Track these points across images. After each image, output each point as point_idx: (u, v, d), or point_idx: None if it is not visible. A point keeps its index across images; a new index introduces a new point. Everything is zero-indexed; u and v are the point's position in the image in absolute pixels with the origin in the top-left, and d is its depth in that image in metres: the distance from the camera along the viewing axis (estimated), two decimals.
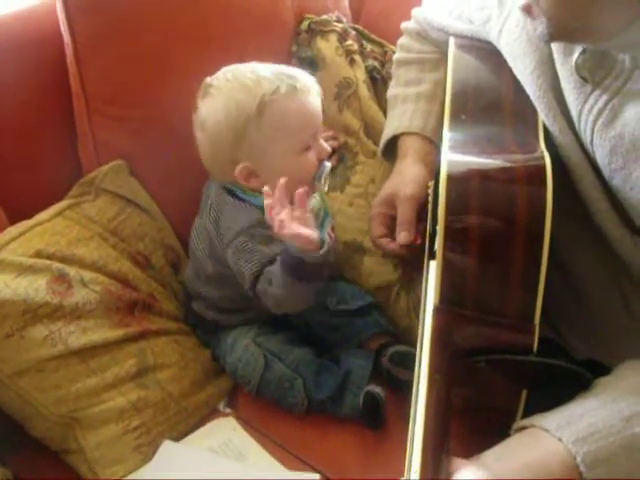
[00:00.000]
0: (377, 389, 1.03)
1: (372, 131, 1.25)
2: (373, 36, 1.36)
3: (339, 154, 1.27)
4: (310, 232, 0.94)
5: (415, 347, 1.03)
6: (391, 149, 1.15)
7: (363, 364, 1.07)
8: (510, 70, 0.91)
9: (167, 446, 1.03)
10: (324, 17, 1.34)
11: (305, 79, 1.04)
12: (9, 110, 1.12)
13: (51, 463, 1.02)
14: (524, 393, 0.80)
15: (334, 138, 1.27)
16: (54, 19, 1.13)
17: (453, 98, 0.91)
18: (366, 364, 1.07)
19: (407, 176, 1.08)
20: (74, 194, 1.16)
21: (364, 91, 1.27)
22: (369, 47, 1.34)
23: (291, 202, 0.99)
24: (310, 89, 1.04)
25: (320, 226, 1.09)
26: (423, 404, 0.73)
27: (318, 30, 1.32)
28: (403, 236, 1.04)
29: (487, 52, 0.96)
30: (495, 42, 0.94)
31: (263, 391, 1.09)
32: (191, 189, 1.14)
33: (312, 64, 1.30)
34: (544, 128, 0.85)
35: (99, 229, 1.12)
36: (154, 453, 1.02)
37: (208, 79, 1.05)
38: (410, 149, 1.10)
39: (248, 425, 1.08)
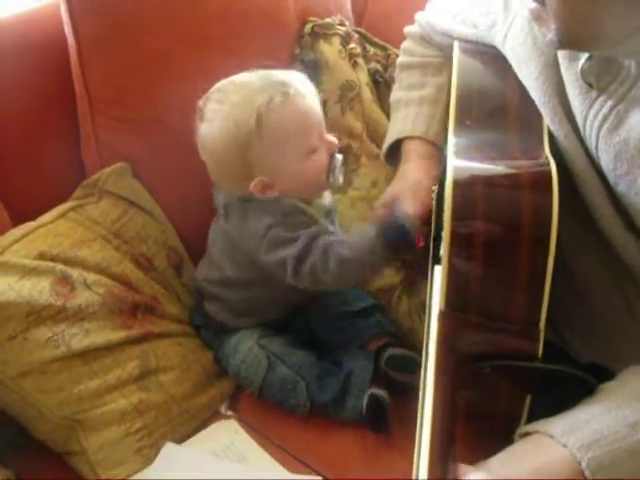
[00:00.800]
0: (381, 391, 1.03)
1: (375, 134, 1.25)
2: (376, 39, 1.36)
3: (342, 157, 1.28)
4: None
5: (417, 350, 1.04)
6: (394, 153, 1.15)
7: (364, 366, 1.07)
8: (515, 75, 0.91)
9: (169, 448, 1.03)
10: (327, 20, 1.34)
11: (297, 82, 1.03)
12: (13, 112, 1.12)
13: (53, 465, 1.03)
14: (528, 398, 0.80)
15: (337, 140, 1.27)
16: (58, 21, 1.13)
17: (458, 103, 0.91)
18: (367, 366, 1.07)
19: (410, 179, 1.08)
20: (77, 196, 1.16)
21: (367, 94, 1.27)
22: (372, 50, 1.34)
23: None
24: (304, 91, 1.03)
25: (331, 222, 1.11)
26: (430, 408, 0.73)
27: (321, 33, 1.32)
28: None
29: (492, 57, 0.96)
30: (500, 47, 0.94)
31: (266, 393, 1.09)
32: (194, 191, 1.15)
33: (315, 67, 1.31)
34: (549, 133, 0.85)
35: (102, 231, 1.12)
36: (156, 455, 1.02)
37: (200, 102, 1.04)
38: (413, 153, 1.10)
39: (250, 428, 1.08)
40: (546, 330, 0.76)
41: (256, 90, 1.00)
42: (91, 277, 1.05)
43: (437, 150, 1.10)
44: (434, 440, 0.71)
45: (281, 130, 1.00)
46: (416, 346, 1.13)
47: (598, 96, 0.79)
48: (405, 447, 0.98)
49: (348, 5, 1.44)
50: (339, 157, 1.06)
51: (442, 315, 0.77)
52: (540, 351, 0.76)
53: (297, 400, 1.06)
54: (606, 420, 0.71)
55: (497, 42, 0.95)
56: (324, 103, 1.28)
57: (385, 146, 1.15)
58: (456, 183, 0.76)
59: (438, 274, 0.80)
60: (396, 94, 1.17)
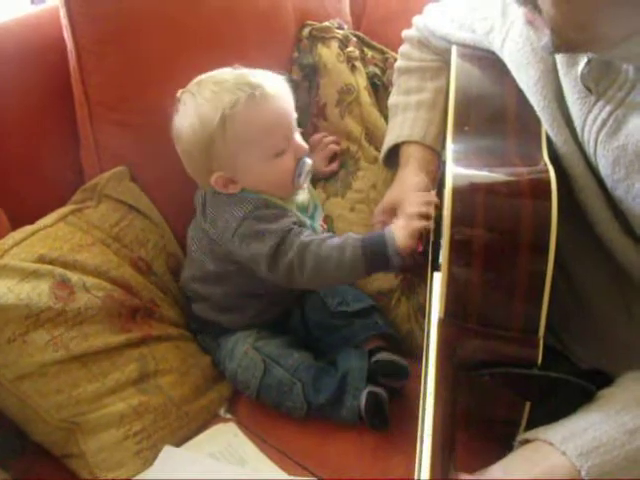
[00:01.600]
0: (378, 389, 1.04)
1: (373, 137, 1.25)
2: (374, 43, 1.36)
3: (341, 160, 1.28)
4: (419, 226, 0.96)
5: (415, 353, 1.04)
6: (392, 157, 1.15)
7: (360, 365, 1.07)
8: (513, 80, 0.91)
9: (168, 451, 1.03)
10: (325, 24, 1.34)
11: (269, 84, 1.03)
12: (12, 116, 1.12)
13: (52, 468, 1.03)
14: (527, 405, 0.80)
15: (336, 143, 1.28)
16: (57, 25, 1.13)
17: (456, 109, 0.91)
18: (362, 365, 1.07)
19: (408, 185, 1.08)
20: (77, 200, 1.16)
21: (365, 97, 1.27)
22: (370, 54, 1.34)
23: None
24: (273, 93, 1.03)
25: (311, 218, 1.11)
26: (431, 417, 0.74)
27: (319, 37, 1.33)
28: None
29: (490, 61, 0.96)
30: (498, 52, 0.94)
31: (263, 396, 1.09)
32: (193, 196, 1.15)
33: (313, 71, 1.31)
34: (547, 139, 0.86)
35: (101, 235, 1.12)
36: (155, 458, 1.02)
37: (179, 92, 1.06)
38: (411, 158, 1.10)
39: (249, 430, 1.08)
40: (545, 334, 0.76)
41: (226, 89, 1.02)
42: (90, 281, 1.05)
43: (435, 154, 1.10)
44: (435, 448, 0.71)
45: (244, 132, 1.01)
46: (414, 349, 1.14)
47: (597, 101, 0.80)
48: (402, 448, 0.99)
49: (346, 8, 1.44)
50: (308, 162, 1.06)
51: (441, 323, 0.78)
52: (540, 358, 0.76)
53: (294, 403, 1.06)
54: (605, 427, 0.71)
55: (495, 47, 0.95)
56: (323, 107, 1.29)
57: (383, 151, 1.16)
58: (455, 190, 0.76)
59: (437, 281, 0.80)
60: (394, 98, 1.18)
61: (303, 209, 1.11)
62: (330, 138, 1.27)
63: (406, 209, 1.00)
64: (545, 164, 0.79)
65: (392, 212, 1.08)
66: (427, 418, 0.75)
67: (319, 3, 1.39)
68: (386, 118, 1.22)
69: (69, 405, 0.99)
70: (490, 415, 0.85)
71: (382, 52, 1.35)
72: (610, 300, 0.89)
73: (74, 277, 1.04)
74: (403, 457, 0.97)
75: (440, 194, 0.96)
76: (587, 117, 0.81)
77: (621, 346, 0.90)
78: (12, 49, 1.13)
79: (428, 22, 1.13)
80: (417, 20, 1.17)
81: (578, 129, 0.83)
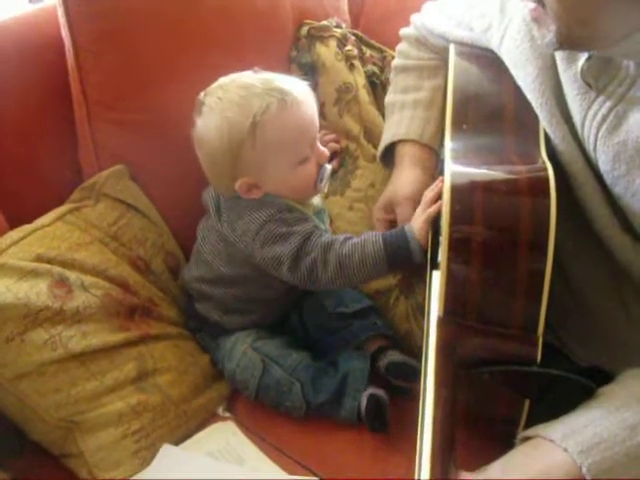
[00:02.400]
0: (380, 392, 1.04)
1: (372, 135, 1.25)
2: (372, 41, 1.36)
3: (340, 158, 1.28)
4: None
5: (415, 353, 1.04)
6: (389, 155, 1.15)
7: (361, 367, 1.07)
8: (511, 78, 0.91)
9: (166, 450, 1.03)
10: (323, 23, 1.34)
11: (297, 90, 1.02)
12: (10, 115, 1.12)
13: (51, 467, 1.02)
14: (527, 402, 0.80)
15: (336, 141, 1.28)
16: (55, 24, 1.13)
17: (454, 107, 0.91)
18: (364, 367, 1.07)
19: (404, 179, 1.08)
20: (75, 199, 1.16)
21: (364, 96, 1.27)
22: (368, 52, 1.34)
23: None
24: (303, 100, 1.02)
25: (321, 221, 1.11)
26: (430, 416, 0.74)
27: (317, 36, 1.33)
28: None
29: (488, 59, 0.96)
30: (496, 50, 0.95)
31: (262, 396, 1.09)
32: (192, 194, 1.14)
33: (312, 69, 1.31)
34: (545, 136, 0.86)
35: (99, 234, 1.12)
36: (153, 457, 1.02)
37: (201, 95, 1.04)
38: (406, 155, 1.10)
39: (247, 429, 1.08)
40: (544, 332, 0.76)
41: (255, 94, 1.00)
42: (88, 279, 1.05)
43: (431, 153, 1.10)
44: (435, 447, 0.71)
45: (274, 138, 1.00)
46: (413, 349, 1.13)
47: (597, 97, 0.80)
48: (402, 447, 0.99)
49: (345, 7, 1.44)
50: (328, 168, 1.06)
51: (440, 321, 0.78)
52: (539, 356, 0.76)
53: (293, 402, 1.06)
54: (606, 423, 0.71)
55: (493, 45, 0.95)
56: (321, 105, 1.29)
57: (380, 149, 1.16)
58: (454, 189, 0.76)
59: (436, 279, 0.80)
60: (391, 97, 1.18)
61: (317, 213, 1.11)
62: (330, 137, 1.27)
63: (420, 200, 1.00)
64: (543, 162, 0.79)
65: (389, 208, 1.09)
66: (427, 417, 0.75)
67: (317, 2, 1.39)
68: (384, 116, 1.22)
69: (68, 404, 0.99)
70: (490, 413, 0.85)
71: (380, 51, 1.35)
72: (608, 298, 0.89)
73: (72, 276, 1.04)
74: (402, 456, 0.97)
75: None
76: (587, 113, 0.81)
77: (620, 343, 0.90)
78: (10, 48, 1.13)
79: (426, 20, 1.13)
80: (415, 18, 1.17)
81: (578, 125, 0.83)
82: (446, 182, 0.77)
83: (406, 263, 0.99)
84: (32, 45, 1.15)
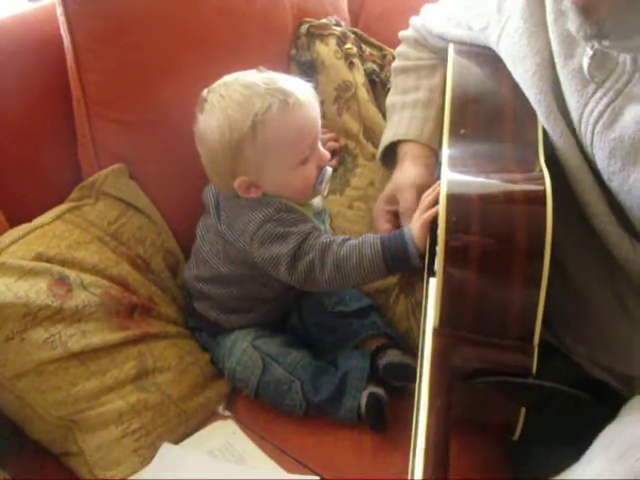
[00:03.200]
0: (379, 391, 1.04)
1: (371, 134, 1.25)
2: (372, 39, 1.36)
3: (339, 157, 1.28)
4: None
5: (414, 351, 1.04)
6: (389, 156, 1.15)
7: (361, 366, 1.07)
8: (510, 76, 0.91)
9: (166, 449, 1.03)
10: (323, 21, 1.34)
11: (299, 91, 1.02)
12: (9, 114, 1.12)
13: (50, 466, 1.02)
14: (523, 410, 0.80)
15: (335, 140, 1.27)
16: (54, 23, 1.13)
17: (453, 108, 0.91)
18: (364, 366, 1.07)
19: (407, 172, 1.08)
20: (74, 197, 1.16)
21: (363, 94, 1.27)
22: (368, 50, 1.34)
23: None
24: (304, 102, 1.02)
25: (322, 222, 1.11)
26: (424, 429, 0.73)
27: (317, 34, 1.32)
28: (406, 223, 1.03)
29: (487, 58, 0.96)
30: (494, 47, 0.95)
31: (261, 394, 1.09)
32: (191, 193, 1.15)
33: (311, 68, 1.31)
34: (544, 134, 0.85)
35: (99, 232, 1.12)
36: (153, 456, 1.02)
37: (205, 92, 1.04)
38: (407, 154, 1.11)
39: (247, 428, 1.08)
40: (541, 329, 0.76)
41: (258, 94, 1.00)
42: (88, 278, 1.05)
43: (431, 151, 1.10)
44: (427, 457, 0.71)
45: (274, 138, 1.00)
46: (413, 347, 1.13)
47: (594, 93, 0.80)
48: (401, 446, 0.99)
49: (344, 5, 1.44)
50: (329, 170, 1.06)
51: (436, 333, 0.77)
52: (534, 367, 0.76)
53: (293, 401, 1.06)
54: None
55: (491, 43, 0.95)
56: (321, 104, 1.28)
57: (380, 149, 1.16)
58: (450, 197, 0.76)
59: (433, 287, 0.80)
60: (391, 98, 1.18)
61: (317, 214, 1.11)
62: (329, 135, 1.27)
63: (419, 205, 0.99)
64: (540, 169, 0.79)
65: (393, 199, 1.08)
66: (420, 431, 0.74)
67: (317, 0, 1.38)
68: (384, 115, 1.22)
69: (67, 403, 0.99)
70: (486, 419, 0.85)
71: (380, 49, 1.34)
72: (606, 296, 0.89)
73: (72, 275, 1.04)
74: (402, 455, 0.97)
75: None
76: (584, 109, 0.81)
77: (618, 340, 0.90)
78: (9, 47, 1.13)
79: (425, 21, 1.13)
80: (414, 20, 1.17)
81: (575, 121, 0.83)
82: (442, 191, 0.77)
83: (404, 266, 0.99)
84: (31, 44, 1.15)
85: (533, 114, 0.87)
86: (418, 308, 1.16)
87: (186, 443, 1.06)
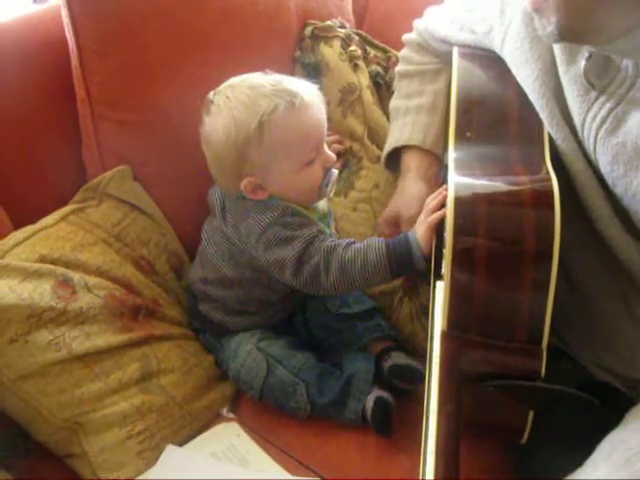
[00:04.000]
0: (386, 394, 1.04)
1: (376, 136, 1.25)
2: (376, 41, 1.36)
3: (344, 159, 1.28)
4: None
5: (419, 353, 1.04)
6: (393, 159, 1.15)
7: (366, 369, 1.07)
8: (514, 79, 0.91)
9: (170, 451, 1.03)
10: (327, 23, 1.34)
11: (306, 92, 1.02)
12: (14, 115, 1.12)
13: (54, 468, 1.02)
14: (531, 413, 0.80)
15: (339, 142, 1.27)
16: (59, 24, 1.13)
17: (458, 112, 0.90)
18: (369, 369, 1.07)
19: (410, 195, 1.08)
20: (78, 199, 1.16)
21: (368, 96, 1.27)
22: (372, 52, 1.34)
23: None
24: (311, 103, 1.02)
25: (327, 225, 1.11)
26: (434, 433, 0.73)
27: (322, 36, 1.32)
28: None
29: (491, 61, 0.96)
30: (498, 51, 0.95)
31: (266, 396, 1.09)
32: (195, 195, 1.15)
33: (316, 70, 1.31)
34: (550, 139, 0.85)
35: (103, 234, 1.12)
36: (157, 458, 1.02)
37: (211, 94, 1.04)
38: (411, 165, 1.11)
39: (251, 430, 1.08)
40: (548, 340, 0.76)
41: (264, 95, 1.00)
42: (92, 280, 1.05)
43: (435, 158, 1.10)
44: (438, 462, 0.71)
45: (280, 140, 1.00)
46: (417, 350, 1.13)
47: (597, 98, 0.80)
48: (405, 449, 0.99)
49: (349, 7, 1.44)
50: (334, 172, 1.06)
51: (444, 336, 0.77)
52: (543, 370, 0.75)
53: (297, 403, 1.06)
54: None
55: (495, 46, 0.95)
56: (326, 106, 1.29)
57: (384, 154, 1.16)
58: (457, 200, 0.76)
59: (440, 291, 0.80)
60: (395, 103, 1.18)
61: (323, 217, 1.11)
62: (333, 137, 1.27)
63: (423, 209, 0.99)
64: (547, 171, 0.79)
65: (395, 223, 1.08)
66: (430, 434, 0.74)
67: (321, 2, 1.38)
68: (389, 117, 1.21)
69: (72, 405, 0.99)
70: (494, 421, 0.85)
71: (384, 51, 1.34)
72: (612, 298, 0.89)
73: (76, 277, 1.04)
74: (406, 458, 0.97)
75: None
76: (587, 114, 0.81)
77: (622, 344, 0.90)
78: (14, 49, 1.13)
79: (428, 25, 1.13)
80: (417, 23, 1.17)
81: (578, 126, 0.83)
82: (450, 194, 0.77)
83: (409, 270, 0.99)
84: (36, 45, 1.15)
85: (538, 116, 0.87)
86: (422, 311, 1.16)
87: (190, 445, 1.06)
